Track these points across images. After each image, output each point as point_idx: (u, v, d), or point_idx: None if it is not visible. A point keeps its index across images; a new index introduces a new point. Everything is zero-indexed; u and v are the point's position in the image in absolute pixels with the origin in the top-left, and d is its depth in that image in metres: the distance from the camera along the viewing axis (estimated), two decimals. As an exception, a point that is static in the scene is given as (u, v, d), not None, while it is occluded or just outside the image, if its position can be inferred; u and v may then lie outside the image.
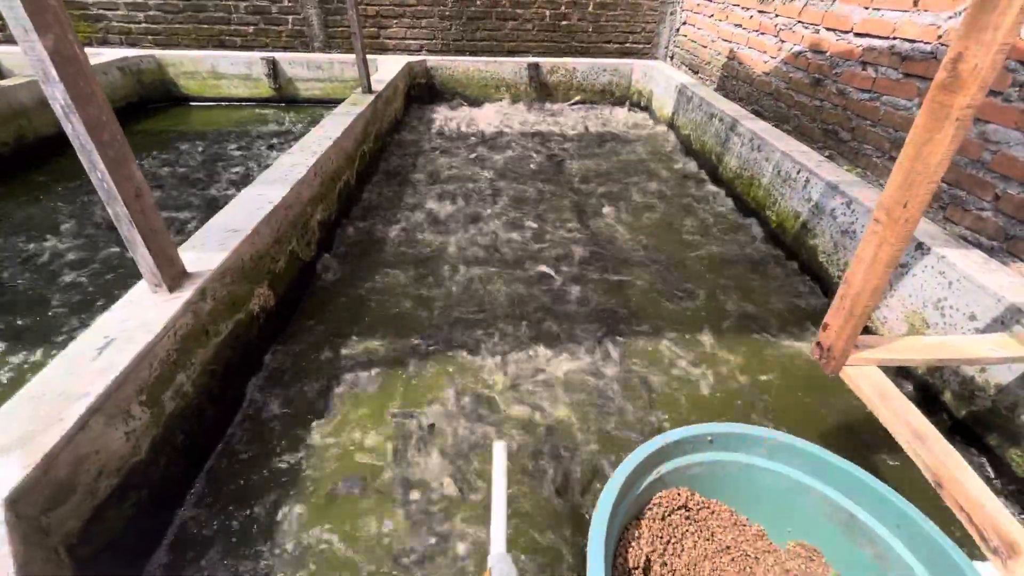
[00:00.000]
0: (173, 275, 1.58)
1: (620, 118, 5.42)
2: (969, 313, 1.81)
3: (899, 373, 2.08)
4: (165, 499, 1.45)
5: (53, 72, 1.17)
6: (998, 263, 1.90)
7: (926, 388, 1.97)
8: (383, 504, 1.50)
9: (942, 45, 2.34)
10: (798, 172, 2.85)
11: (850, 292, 1.23)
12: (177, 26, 5.54)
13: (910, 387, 2.02)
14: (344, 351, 2.07)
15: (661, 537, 0.91)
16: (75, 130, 1.26)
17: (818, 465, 0.92)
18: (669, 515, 0.93)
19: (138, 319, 1.45)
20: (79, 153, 1.29)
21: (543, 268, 2.67)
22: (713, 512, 0.97)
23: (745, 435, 0.95)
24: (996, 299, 1.71)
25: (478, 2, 5.58)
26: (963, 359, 1.34)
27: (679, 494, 0.96)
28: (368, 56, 5.07)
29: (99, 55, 5.12)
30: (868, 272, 1.17)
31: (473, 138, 4.65)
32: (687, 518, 0.94)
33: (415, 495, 1.52)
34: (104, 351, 1.34)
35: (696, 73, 5.18)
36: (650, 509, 0.93)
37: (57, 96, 1.21)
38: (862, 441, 1.75)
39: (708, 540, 0.94)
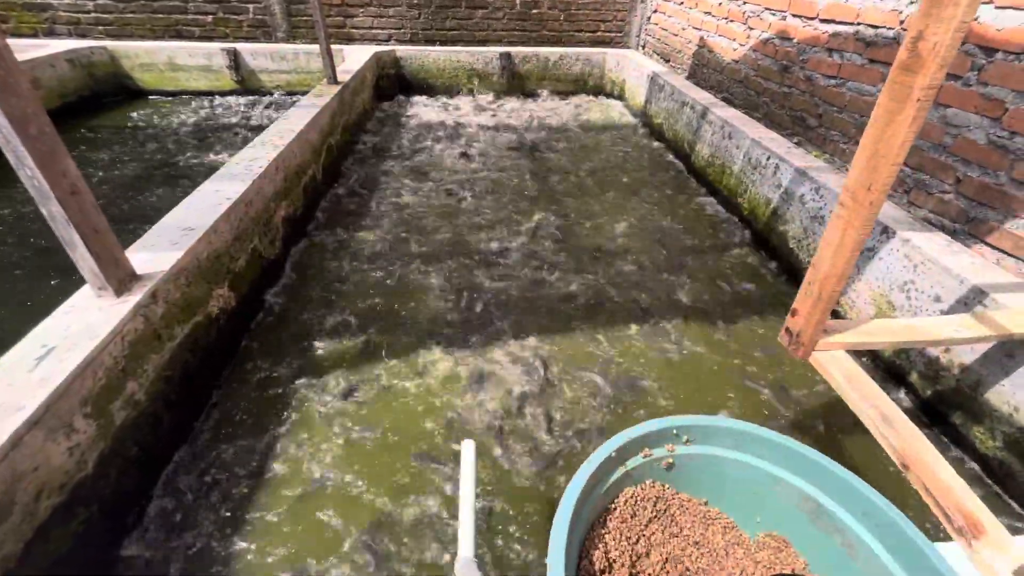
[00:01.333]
0: (120, 277, 1.49)
1: (594, 107, 5.40)
2: (934, 295, 1.84)
3: (867, 355, 2.12)
4: (119, 512, 1.37)
5: (-33, 59, 1.08)
6: (960, 245, 1.94)
7: (893, 369, 2.01)
8: (348, 508, 1.45)
9: (904, 30, 2.36)
10: (768, 159, 2.87)
11: (817, 276, 1.23)
12: (130, 16, 5.28)
13: (878, 369, 2.05)
14: (315, 348, 2.00)
15: (629, 537, 0.89)
16: (-3, 123, 1.16)
17: (785, 455, 0.91)
18: (636, 511, 0.91)
19: (81, 325, 1.36)
20: (3, 148, 1.20)
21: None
22: (682, 506, 0.96)
23: (711, 426, 0.94)
24: (959, 280, 1.75)
25: (447, -10, 5.47)
26: (929, 341, 1.35)
27: (649, 487, 0.94)
28: (335, 46, 4.93)
29: (45, 46, 4.84)
30: (835, 256, 1.17)
31: (448, 131, 4.56)
32: (655, 515, 0.92)
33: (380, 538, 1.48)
34: (43, 360, 1.25)
35: (668, 62, 5.19)
36: (616, 506, 0.91)
37: (-27, 86, 1.12)
38: (830, 424, 1.77)
39: (676, 535, 0.92)
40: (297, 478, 1.53)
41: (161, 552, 1.33)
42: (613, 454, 0.87)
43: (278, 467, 1.56)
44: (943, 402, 1.80)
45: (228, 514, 1.42)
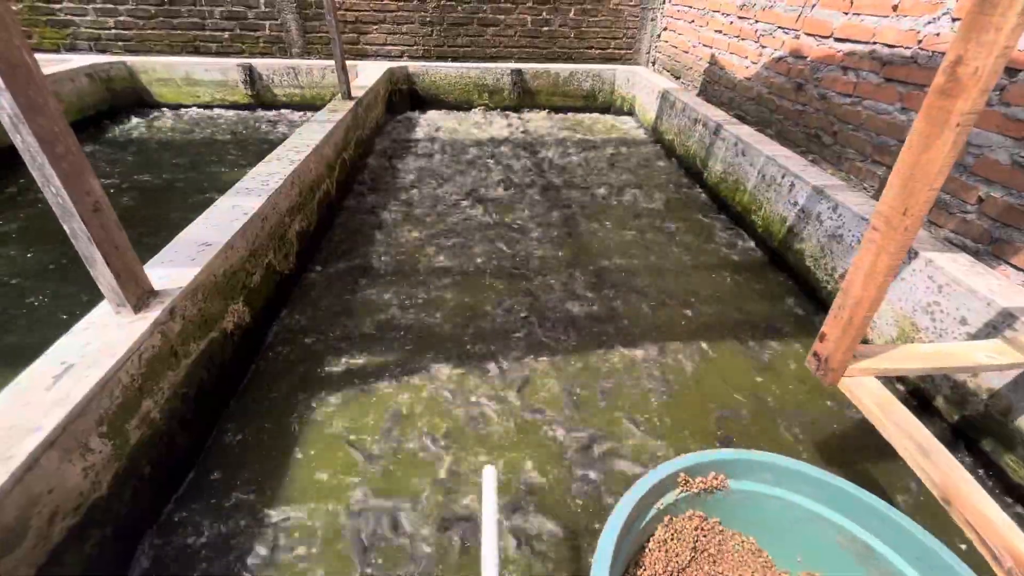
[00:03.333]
0: (139, 294, 1.48)
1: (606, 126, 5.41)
2: (960, 317, 1.80)
3: (891, 378, 2.07)
4: (132, 534, 1.35)
5: (-2, 80, 1.08)
6: (985, 266, 1.90)
7: (918, 393, 1.96)
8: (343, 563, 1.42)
9: (921, 50, 2.35)
10: (783, 176, 2.85)
11: (848, 302, 1.20)
12: (149, 32, 5.38)
13: (903, 392, 2.00)
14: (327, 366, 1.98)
15: (668, 570, 0.85)
16: (25, 142, 1.16)
17: (828, 492, 0.87)
18: (675, 544, 0.87)
19: (99, 343, 1.35)
20: (30, 167, 1.20)
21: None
22: (722, 541, 0.92)
23: (751, 461, 0.90)
24: (986, 303, 1.71)
25: (459, 8, 5.54)
26: (960, 367, 1.31)
27: (688, 519, 0.90)
28: (348, 62, 5.00)
29: (67, 61, 4.93)
30: (867, 282, 1.14)
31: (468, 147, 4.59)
32: (694, 548, 0.89)
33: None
34: (61, 379, 1.24)
35: (678, 78, 5.20)
36: (656, 539, 0.88)
37: (4, 106, 1.12)
38: (861, 451, 1.72)
39: (715, 571, 0.88)
40: (308, 499, 1.50)
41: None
42: (653, 487, 0.84)
43: (288, 491, 1.53)
44: (972, 428, 1.75)
45: (237, 539, 1.39)
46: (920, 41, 2.36)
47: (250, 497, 1.50)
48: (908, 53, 2.42)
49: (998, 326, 1.67)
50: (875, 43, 2.61)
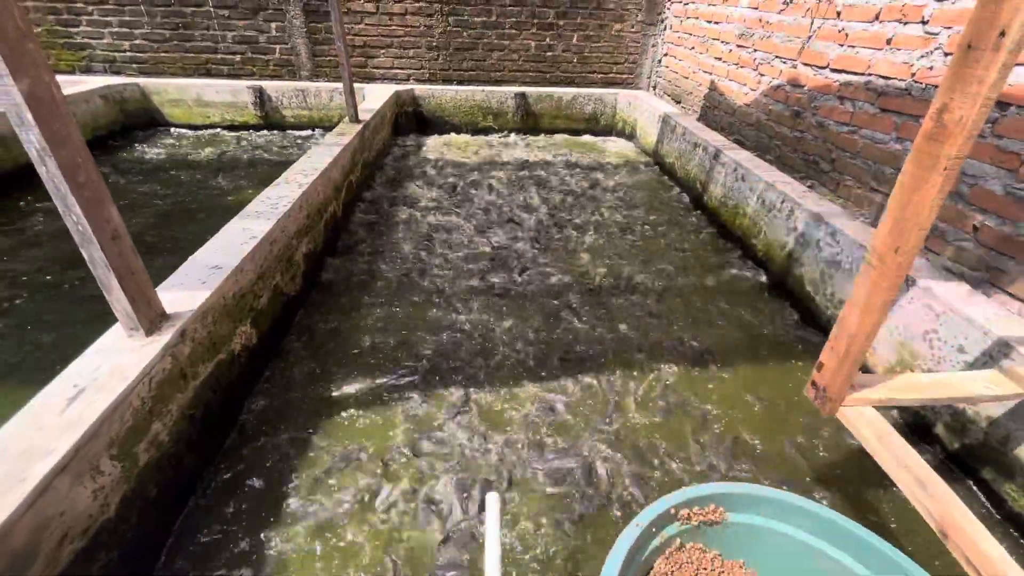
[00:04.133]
0: (151, 317, 1.51)
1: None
2: (957, 345, 1.82)
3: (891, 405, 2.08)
4: (137, 556, 1.35)
5: (28, 116, 1.13)
6: (982, 296, 1.93)
7: (918, 419, 1.97)
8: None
9: (916, 82, 2.41)
10: (782, 202, 2.89)
11: (845, 334, 1.23)
12: (163, 55, 5.53)
13: (902, 419, 2.01)
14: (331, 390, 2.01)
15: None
16: (49, 173, 1.21)
17: (825, 527, 0.89)
18: (675, 574, 0.89)
19: (111, 366, 1.38)
20: (53, 196, 1.24)
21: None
22: (721, 572, 0.93)
23: (749, 495, 0.92)
24: (983, 332, 1.73)
25: (465, 33, 5.69)
26: (958, 398, 1.33)
27: (689, 551, 0.92)
28: (356, 84, 5.11)
29: (82, 83, 5.07)
30: (862, 316, 1.17)
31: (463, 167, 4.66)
32: (694, 581, 0.90)
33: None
34: (73, 402, 1.26)
35: (679, 103, 5.31)
36: (655, 572, 0.89)
37: (32, 140, 1.17)
38: (857, 480, 1.72)
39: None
40: (310, 520, 1.51)
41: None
42: (653, 520, 0.85)
43: (291, 510, 1.54)
44: (971, 456, 1.76)
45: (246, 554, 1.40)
46: (914, 74, 2.43)
47: (250, 521, 1.51)
48: (903, 85, 2.48)
49: (995, 355, 1.68)
50: (870, 74, 2.68)
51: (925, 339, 1.95)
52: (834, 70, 2.94)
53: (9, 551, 1.01)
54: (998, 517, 1.63)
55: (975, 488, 1.73)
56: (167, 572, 1.37)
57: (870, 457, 1.24)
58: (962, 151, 0.94)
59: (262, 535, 1.47)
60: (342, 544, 1.45)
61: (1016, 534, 1.57)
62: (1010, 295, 1.93)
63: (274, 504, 1.56)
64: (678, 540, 0.92)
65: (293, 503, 1.56)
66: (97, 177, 1.32)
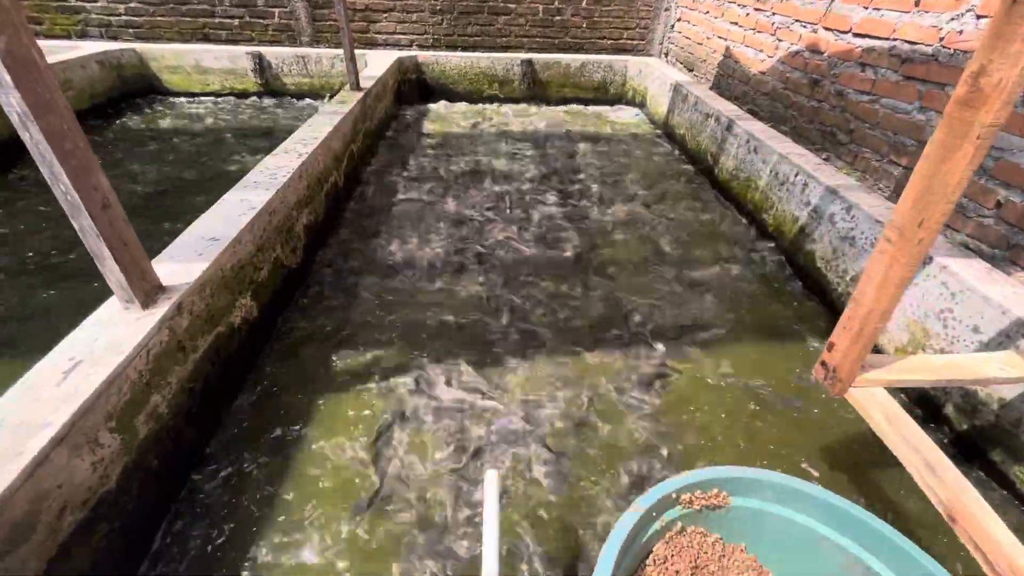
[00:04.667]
0: (147, 290, 1.49)
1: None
2: (972, 325, 1.77)
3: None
4: (139, 527, 1.37)
5: (7, 77, 1.08)
6: (1002, 274, 1.86)
7: (926, 400, 1.94)
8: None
9: (943, 47, 2.28)
10: (796, 175, 2.80)
11: (859, 313, 1.18)
12: (159, 19, 5.37)
13: (911, 399, 1.98)
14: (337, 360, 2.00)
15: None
16: (34, 140, 1.17)
17: (832, 512, 0.86)
18: (676, 562, 0.87)
19: (108, 339, 1.37)
20: (39, 164, 1.20)
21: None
22: (722, 557, 0.92)
23: (753, 479, 0.90)
24: (1001, 311, 1.67)
25: (470, -4, 5.47)
26: (972, 380, 1.29)
27: (690, 535, 0.90)
28: (357, 51, 4.96)
29: (78, 48, 4.95)
30: (878, 293, 1.12)
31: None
32: (695, 566, 0.88)
33: None
34: (70, 375, 1.25)
35: (691, 71, 5.12)
36: (656, 556, 0.87)
37: (13, 103, 1.12)
38: (864, 462, 1.70)
39: (713, 585, 0.88)
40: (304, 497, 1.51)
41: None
42: (654, 504, 0.83)
43: (295, 483, 1.55)
44: (982, 438, 1.73)
45: (249, 527, 1.42)
46: (942, 39, 2.29)
47: (256, 492, 1.52)
48: (929, 51, 2.35)
49: (1011, 335, 1.63)
50: (895, 39, 2.54)
51: (939, 318, 1.90)
52: (857, 35, 2.80)
53: (9, 521, 1.01)
54: (1008, 501, 1.62)
55: (983, 471, 1.70)
56: (169, 541, 1.39)
57: (876, 439, 1.21)
58: (998, 118, 0.87)
59: (265, 501, 1.48)
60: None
61: None
62: (1031, 274, 1.86)
63: (279, 474, 1.56)
64: (679, 524, 0.90)
65: (299, 473, 1.57)
66: (84, 145, 1.27)
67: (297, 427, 1.72)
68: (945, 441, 1.82)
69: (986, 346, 1.72)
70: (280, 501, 1.49)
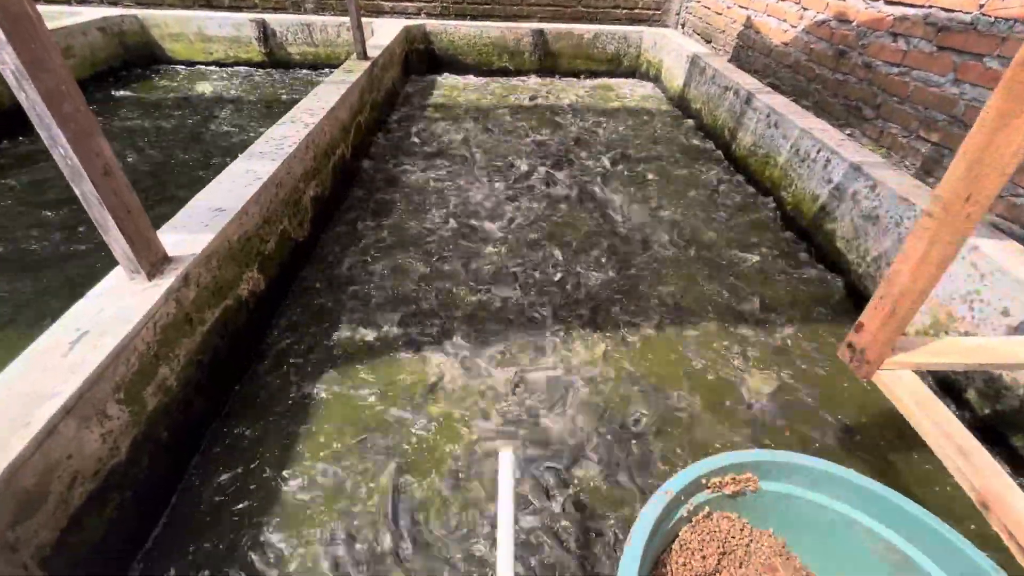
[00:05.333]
0: (152, 260, 1.45)
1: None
2: (1002, 308, 1.71)
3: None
4: (150, 498, 1.37)
5: (-1, 32, 1.02)
6: (1035, 255, 1.79)
7: (947, 383, 1.89)
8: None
9: (983, 15, 2.16)
10: (818, 151, 2.70)
11: (892, 292, 1.13)
12: (160, -17, 5.22)
13: (931, 382, 1.93)
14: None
15: (695, 572, 0.82)
16: (30, 100, 1.11)
17: (866, 498, 0.83)
18: (704, 546, 0.85)
19: (114, 309, 1.34)
20: (37, 127, 1.15)
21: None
22: (750, 543, 0.89)
23: (785, 463, 0.86)
24: (1033, 294, 1.61)
25: (480, -38, 5.26)
26: (1004, 364, 1.24)
27: (718, 520, 0.87)
28: (364, 19, 4.80)
29: (78, 14, 4.83)
30: (915, 272, 1.06)
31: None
32: (723, 551, 0.86)
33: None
34: (76, 345, 1.23)
35: (709, 42, 4.93)
36: (684, 541, 0.85)
37: (7, 61, 1.07)
38: (892, 447, 1.66)
39: (738, 568, 0.86)
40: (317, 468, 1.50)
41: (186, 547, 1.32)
42: (683, 488, 0.80)
43: (301, 461, 1.54)
44: (1004, 423, 1.69)
45: (255, 503, 1.41)
46: (982, 5, 2.16)
47: (264, 463, 1.51)
48: (967, 18, 2.22)
49: (1044, 319, 1.58)
50: (931, 7, 2.40)
51: (966, 301, 1.83)
52: (889, 2, 2.65)
53: (20, 491, 1.00)
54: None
55: (1004, 456, 1.67)
56: (179, 512, 1.39)
57: (904, 425, 1.17)
58: (1068, 81, 0.80)
59: (274, 472, 1.47)
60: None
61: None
62: (1066, 255, 1.79)
63: (288, 442, 1.55)
64: (707, 508, 0.87)
65: (306, 444, 1.56)
66: (85, 108, 1.22)
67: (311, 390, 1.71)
68: (967, 424, 1.78)
69: (1015, 331, 1.66)
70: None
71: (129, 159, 3.28)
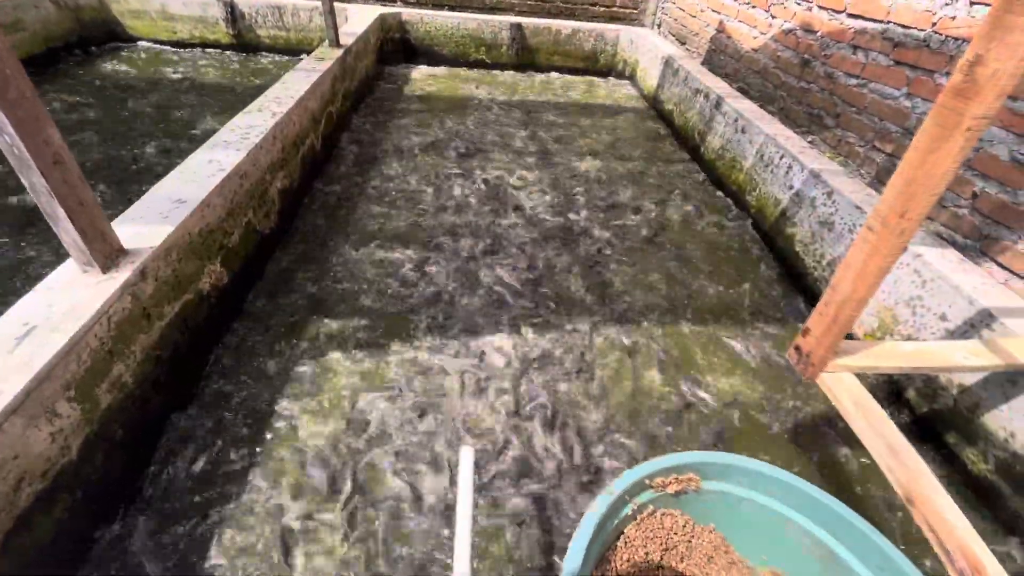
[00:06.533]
0: (106, 253, 1.41)
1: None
2: (940, 313, 1.82)
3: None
4: (104, 497, 1.34)
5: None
6: (972, 264, 1.91)
7: (891, 384, 2.01)
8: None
9: (935, 33, 2.27)
10: (781, 157, 2.80)
11: (835, 299, 1.19)
12: (120, -44, 4.96)
13: (876, 382, 2.05)
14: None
15: (640, 567, 0.87)
16: (-29, 85, 1.07)
17: (798, 497, 0.89)
18: (647, 543, 0.89)
19: (65, 304, 1.30)
20: (-21, 113, 1.10)
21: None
22: (691, 538, 0.94)
23: (724, 464, 0.91)
24: (968, 301, 1.72)
25: (458, -49, 5.20)
26: (939, 367, 1.33)
27: (660, 517, 0.92)
28: (337, 4, 4.70)
29: (29, -15, 4.56)
30: (856, 281, 1.13)
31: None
32: (665, 547, 0.90)
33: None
34: (23, 341, 1.19)
35: (683, 44, 5.02)
36: (627, 538, 0.89)
37: (-55, 43, 1.02)
38: (831, 443, 1.76)
39: (686, 567, 0.91)
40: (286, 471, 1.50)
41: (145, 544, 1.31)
42: (627, 488, 0.84)
43: (268, 458, 1.53)
44: (939, 421, 1.81)
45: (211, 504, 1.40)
46: (935, 24, 2.27)
47: (229, 461, 1.50)
48: (921, 35, 2.34)
49: (976, 324, 1.69)
50: (889, 22, 2.51)
51: (909, 305, 1.95)
52: (851, 15, 2.76)
53: (-40, 493, 0.97)
54: (958, 482, 1.70)
55: (937, 453, 1.79)
56: (136, 509, 1.36)
57: (840, 421, 1.25)
58: (991, 110, 0.86)
59: (239, 467, 1.46)
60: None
61: (974, 496, 1.64)
62: (1000, 265, 1.91)
63: (252, 436, 1.54)
64: (651, 507, 0.92)
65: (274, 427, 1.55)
66: (31, 94, 1.17)
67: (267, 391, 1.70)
68: (905, 422, 1.89)
69: (951, 334, 1.77)
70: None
71: (83, 144, 3.14)
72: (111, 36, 5.00)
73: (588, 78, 5.55)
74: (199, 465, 1.48)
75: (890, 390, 2.00)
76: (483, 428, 1.66)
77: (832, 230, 2.38)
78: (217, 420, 1.61)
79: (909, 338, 1.94)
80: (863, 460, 1.69)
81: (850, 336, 2.18)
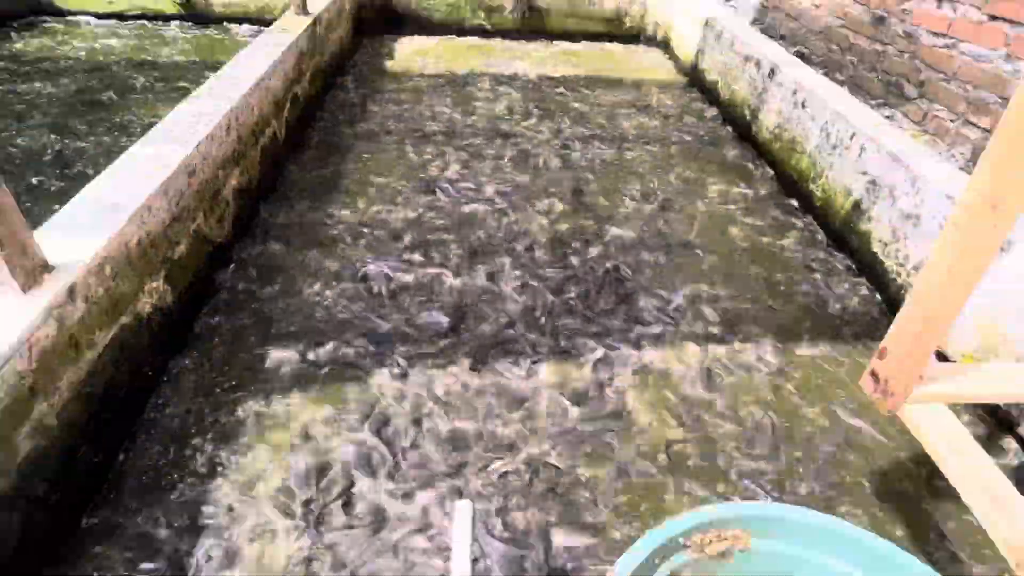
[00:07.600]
0: (28, 269, 1.45)
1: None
2: (1058, 327, 1.80)
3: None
4: (23, 561, 1.36)
5: None
6: (1095, 264, 1.90)
7: (995, 417, 1.98)
8: None
9: (1039, -21, 2.28)
10: (852, 137, 2.80)
11: (919, 312, 1.19)
12: (48, -85, 5.18)
13: (978, 414, 2.02)
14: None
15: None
16: None
17: (874, 559, 0.88)
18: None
19: (-24, 330, 1.34)
20: None
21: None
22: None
23: (782, 518, 0.91)
24: (1093, 312, 1.71)
25: None
26: (1054, 395, 1.32)
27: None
28: (305, -35, 4.83)
29: (-60, -48, 4.77)
30: (944, 288, 1.13)
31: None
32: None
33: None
34: (-75, 376, 1.23)
35: (728, 1, 5.08)
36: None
37: None
38: (919, 486, 1.74)
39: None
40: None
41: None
42: (655, 551, 0.84)
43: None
44: (1060, 463, 1.78)
45: (158, 573, 1.42)
46: (1038, -32, 2.29)
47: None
48: (1021, -17, 2.35)
49: (1106, 341, 1.67)
50: (981, -32, 2.53)
51: (1021, 318, 1.93)
52: (933, -39, 2.79)
53: None
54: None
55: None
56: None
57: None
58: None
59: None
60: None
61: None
62: None
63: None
64: (687, 573, 0.91)
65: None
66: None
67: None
68: (1015, 465, 1.86)
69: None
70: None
71: (1, 135, 3.24)
72: (37, 8, 5.19)
73: (609, 47, 5.61)
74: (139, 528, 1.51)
75: (996, 425, 1.97)
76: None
77: (918, 225, 2.37)
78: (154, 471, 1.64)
79: (1021, 359, 1.92)
80: (965, 516, 1.66)
81: (943, 358, 2.16)
